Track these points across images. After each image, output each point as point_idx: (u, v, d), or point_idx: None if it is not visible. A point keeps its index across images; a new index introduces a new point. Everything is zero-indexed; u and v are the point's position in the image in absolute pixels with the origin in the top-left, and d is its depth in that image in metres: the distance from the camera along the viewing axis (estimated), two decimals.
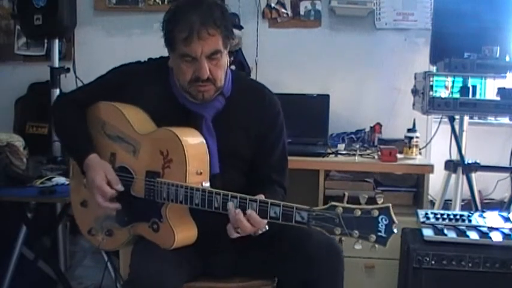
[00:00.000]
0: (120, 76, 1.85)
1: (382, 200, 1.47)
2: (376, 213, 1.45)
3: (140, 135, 1.76)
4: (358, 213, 1.46)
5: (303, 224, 1.52)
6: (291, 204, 1.54)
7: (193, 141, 1.70)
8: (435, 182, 2.85)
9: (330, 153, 2.94)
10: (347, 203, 1.50)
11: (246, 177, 1.84)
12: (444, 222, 2.30)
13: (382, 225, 1.45)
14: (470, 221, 2.31)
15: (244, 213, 1.58)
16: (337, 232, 1.48)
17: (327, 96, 3.17)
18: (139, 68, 1.86)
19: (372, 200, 1.49)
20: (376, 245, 1.47)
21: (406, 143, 2.92)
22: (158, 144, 1.71)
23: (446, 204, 2.89)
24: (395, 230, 1.45)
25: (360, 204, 1.48)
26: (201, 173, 1.68)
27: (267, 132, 1.84)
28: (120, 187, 1.74)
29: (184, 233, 1.70)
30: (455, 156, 2.85)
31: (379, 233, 1.45)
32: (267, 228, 1.64)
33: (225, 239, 1.79)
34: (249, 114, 1.82)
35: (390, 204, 1.46)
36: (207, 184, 1.67)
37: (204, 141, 1.73)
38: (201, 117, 1.76)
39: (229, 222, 1.61)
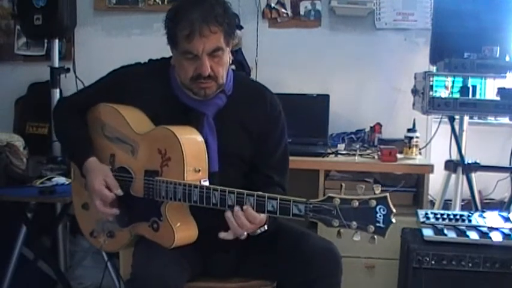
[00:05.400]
0: (120, 78, 1.85)
1: (379, 190, 1.46)
2: (373, 203, 1.43)
3: (138, 135, 1.76)
4: (356, 204, 1.45)
5: (301, 217, 1.51)
6: (287, 197, 1.54)
7: (190, 139, 1.70)
8: (435, 182, 2.85)
9: (330, 153, 2.94)
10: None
11: (244, 176, 1.83)
12: (444, 222, 2.30)
13: (380, 216, 1.43)
14: (470, 221, 2.31)
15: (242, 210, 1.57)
16: (335, 224, 1.47)
17: (327, 96, 3.17)
18: (140, 69, 1.86)
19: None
20: (375, 236, 1.45)
21: (406, 143, 2.92)
22: (156, 143, 1.71)
23: (446, 204, 2.89)
24: (393, 220, 1.43)
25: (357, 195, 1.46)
26: (199, 170, 1.68)
27: (268, 133, 1.83)
28: (119, 192, 1.74)
29: (184, 231, 1.70)
30: (455, 156, 2.85)
31: (378, 224, 1.43)
32: (266, 228, 1.64)
33: (225, 239, 1.80)
34: (250, 113, 1.82)
35: (388, 194, 1.45)
36: (206, 182, 1.67)
37: (202, 139, 1.73)
38: (202, 114, 1.76)
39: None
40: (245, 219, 1.57)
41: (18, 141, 2.75)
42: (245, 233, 1.61)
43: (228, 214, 1.59)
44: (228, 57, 1.74)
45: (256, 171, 1.83)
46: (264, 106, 1.84)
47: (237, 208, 1.58)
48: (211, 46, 1.66)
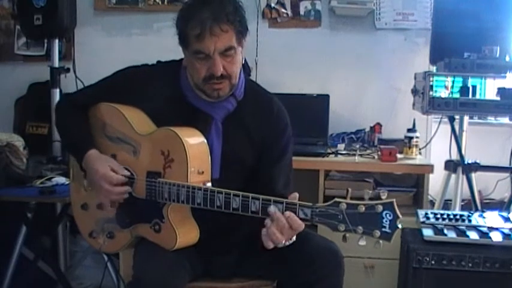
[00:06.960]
0: (127, 78, 1.83)
1: (385, 196, 1.46)
2: (380, 208, 1.44)
3: (141, 136, 1.75)
4: (362, 209, 1.45)
5: (307, 221, 1.52)
6: (294, 201, 1.54)
7: (194, 140, 1.69)
8: (435, 182, 2.85)
9: (330, 153, 2.94)
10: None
11: (245, 184, 1.78)
12: (444, 222, 2.30)
13: (386, 221, 1.44)
14: (470, 221, 2.31)
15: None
16: (341, 228, 1.47)
17: (327, 96, 3.17)
18: (147, 71, 1.83)
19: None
20: (381, 241, 1.45)
21: (406, 143, 2.92)
22: (159, 144, 1.70)
23: (446, 204, 2.89)
24: (399, 225, 1.44)
25: (363, 200, 1.46)
26: (202, 172, 1.67)
27: (272, 143, 1.81)
28: (125, 173, 1.72)
29: (186, 233, 1.69)
30: (455, 156, 2.85)
31: (384, 229, 1.44)
32: (294, 239, 1.62)
33: (226, 240, 1.80)
34: (257, 121, 1.80)
35: (394, 200, 1.45)
36: (209, 184, 1.67)
37: (205, 140, 1.71)
38: (210, 118, 1.75)
39: (265, 229, 1.56)
40: (286, 223, 1.53)
41: (18, 141, 2.75)
42: (283, 241, 1.56)
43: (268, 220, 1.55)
44: (240, 56, 1.71)
45: (259, 182, 1.79)
46: (271, 117, 1.82)
47: (275, 209, 1.54)
48: (223, 45, 1.64)
